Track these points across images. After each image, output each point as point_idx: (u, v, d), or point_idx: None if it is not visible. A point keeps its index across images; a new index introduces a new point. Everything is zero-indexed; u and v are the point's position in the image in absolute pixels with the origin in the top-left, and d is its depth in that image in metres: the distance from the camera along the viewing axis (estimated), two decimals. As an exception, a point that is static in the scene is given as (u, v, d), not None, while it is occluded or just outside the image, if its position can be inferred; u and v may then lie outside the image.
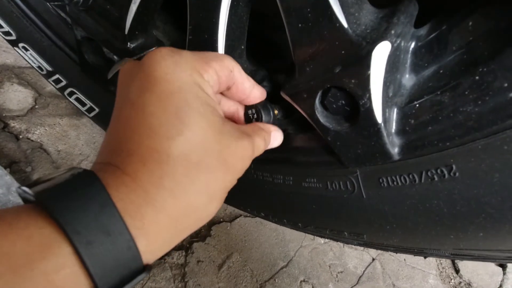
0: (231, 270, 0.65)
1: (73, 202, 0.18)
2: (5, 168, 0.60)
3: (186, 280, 0.63)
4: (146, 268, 0.20)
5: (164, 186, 0.21)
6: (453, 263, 0.76)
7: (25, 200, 0.20)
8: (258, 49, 0.46)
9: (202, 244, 0.67)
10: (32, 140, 0.72)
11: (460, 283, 0.72)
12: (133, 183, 0.20)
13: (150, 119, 0.21)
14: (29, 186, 0.19)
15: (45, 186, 0.19)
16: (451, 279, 0.72)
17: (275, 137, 0.34)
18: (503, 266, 0.75)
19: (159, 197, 0.21)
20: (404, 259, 0.73)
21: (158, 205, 0.21)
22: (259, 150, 0.30)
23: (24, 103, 0.76)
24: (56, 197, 0.18)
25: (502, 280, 0.74)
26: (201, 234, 0.69)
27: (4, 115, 0.73)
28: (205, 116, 0.23)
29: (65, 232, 0.17)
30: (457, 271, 0.74)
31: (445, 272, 0.73)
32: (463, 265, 0.75)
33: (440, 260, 0.75)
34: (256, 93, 0.32)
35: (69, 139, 0.75)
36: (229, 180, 0.25)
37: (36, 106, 0.77)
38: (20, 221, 0.17)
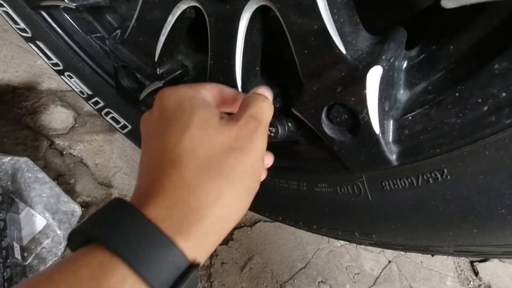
0: (253, 271, 0.69)
1: (123, 233, 0.21)
2: (53, 180, 0.68)
3: (211, 280, 0.68)
4: (195, 266, 0.23)
5: (207, 182, 0.25)
6: (472, 265, 0.75)
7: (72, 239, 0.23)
8: (273, 68, 0.51)
9: (225, 247, 0.72)
10: (74, 155, 0.81)
11: (479, 285, 0.72)
12: (169, 200, 0.24)
13: (167, 146, 0.26)
14: (80, 226, 0.23)
15: (95, 224, 0.23)
16: (470, 282, 0.73)
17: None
18: (525, 268, 0.74)
19: (203, 197, 0.24)
20: (421, 261, 0.74)
21: (202, 213, 0.24)
22: (266, 113, 0.31)
23: (66, 122, 0.86)
24: (107, 231, 0.22)
25: (525, 283, 0.73)
26: (224, 238, 0.74)
27: (50, 133, 0.83)
28: (204, 117, 0.27)
29: (119, 255, 0.20)
30: (476, 273, 0.74)
31: (464, 274, 0.74)
32: (483, 267, 0.75)
33: (458, 262, 0.75)
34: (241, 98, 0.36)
35: (105, 153, 0.83)
36: (249, 159, 0.27)
37: (76, 125, 0.87)
38: (81, 256, 0.21)
